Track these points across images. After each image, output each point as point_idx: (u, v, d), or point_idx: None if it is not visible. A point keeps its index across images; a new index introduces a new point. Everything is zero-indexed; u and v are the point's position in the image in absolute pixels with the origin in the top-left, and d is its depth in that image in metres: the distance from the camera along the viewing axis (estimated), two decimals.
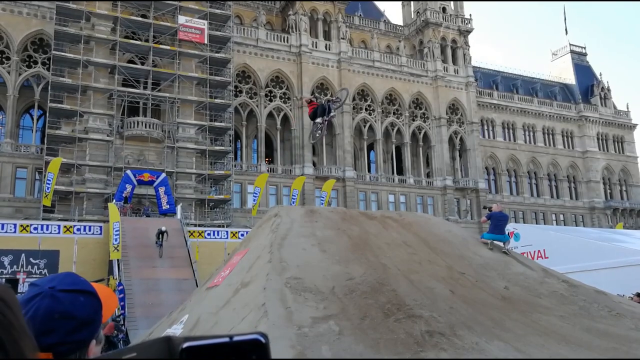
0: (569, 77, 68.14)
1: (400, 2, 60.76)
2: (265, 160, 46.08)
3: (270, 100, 46.84)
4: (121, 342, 17.13)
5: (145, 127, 38.37)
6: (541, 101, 63.06)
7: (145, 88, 38.97)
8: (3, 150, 37.52)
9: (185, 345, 0.71)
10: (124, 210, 32.56)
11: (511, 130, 60.51)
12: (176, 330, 7.97)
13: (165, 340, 0.72)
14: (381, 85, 51.23)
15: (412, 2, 59.00)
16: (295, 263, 7.77)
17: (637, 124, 68.25)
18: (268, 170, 44.07)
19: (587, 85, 67.16)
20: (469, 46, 56.80)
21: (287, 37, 47.98)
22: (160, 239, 25.69)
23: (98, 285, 1.65)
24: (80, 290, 1.33)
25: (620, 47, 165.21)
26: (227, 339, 0.72)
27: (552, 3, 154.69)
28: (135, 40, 39.34)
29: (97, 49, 37.97)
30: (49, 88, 36.58)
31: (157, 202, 33.97)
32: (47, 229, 27.19)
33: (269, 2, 51.40)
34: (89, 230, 27.97)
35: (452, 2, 57.85)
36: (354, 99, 49.92)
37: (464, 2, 58.71)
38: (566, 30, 73.62)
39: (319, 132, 13.50)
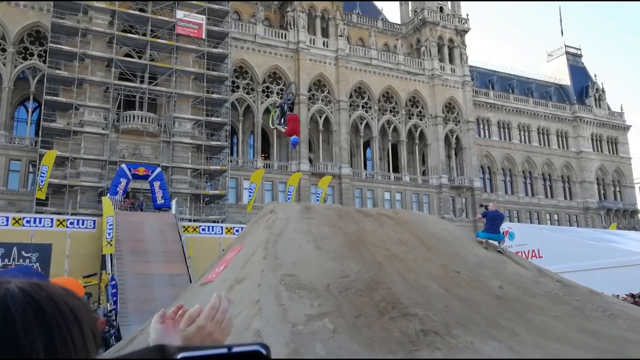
0: (564, 78, 68.33)
1: (398, 1, 60.78)
2: (262, 156, 45.97)
3: (268, 96, 46.74)
4: (113, 337, 17.04)
5: (141, 121, 38.20)
6: (536, 101, 63.23)
7: (142, 82, 38.77)
8: None
9: (180, 355, 0.67)
10: (125, 204, 32.55)
11: (506, 130, 60.66)
12: None
13: (158, 349, 0.69)
14: (378, 83, 51.20)
15: (409, 1, 59.00)
16: (291, 260, 7.74)
17: (631, 125, 68.54)
18: (264, 166, 43.98)
19: (582, 86, 67.40)
20: (466, 46, 56.86)
21: (285, 34, 47.86)
22: None
23: (66, 280, 1.55)
24: None
25: (615, 49, 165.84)
26: (225, 350, 0.68)
27: (549, 5, 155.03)
28: (133, 34, 39.09)
29: (94, 42, 37.72)
30: (45, 80, 36.32)
31: (152, 197, 33.81)
32: (40, 222, 26.98)
33: None
34: (82, 224, 27.77)
35: (449, 2, 57.90)
36: (350, 96, 49.90)
37: (461, 2, 58.78)
38: (562, 31, 74.26)
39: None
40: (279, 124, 13.73)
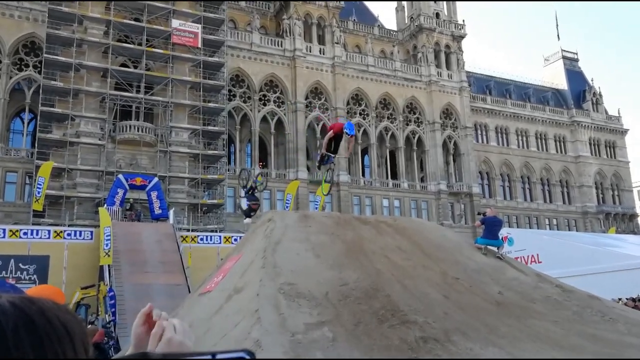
0: (561, 82, 68.63)
1: (394, 8, 61.11)
2: (259, 165, 45.96)
3: (264, 104, 46.79)
4: (112, 349, 16.93)
5: (138, 131, 38.16)
6: (534, 106, 63.44)
7: (138, 92, 38.78)
8: None
9: None
10: (131, 216, 32.54)
11: (504, 135, 60.81)
12: None
13: (140, 356, 0.69)
14: (375, 89, 51.32)
15: (405, 8, 59.33)
16: (289, 268, 7.69)
17: (628, 129, 68.80)
18: (262, 175, 43.91)
19: (579, 91, 67.68)
20: (462, 51, 57.11)
21: (281, 42, 48.00)
22: None
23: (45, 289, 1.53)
24: None
25: (612, 53, 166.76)
26: (209, 357, 0.66)
27: (544, 9, 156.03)
28: (128, 43, 39.16)
29: (89, 52, 37.76)
30: (41, 91, 36.28)
31: (150, 207, 33.74)
32: (37, 234, 26.88)
33: (264, 5, 51.47)
34: (80, 235, 27.67)
35: (445, 8, 58.21)
36: (348, 104, 49.98)
37: (457, 8, 59.11)
38: (558, 36, 74.47)
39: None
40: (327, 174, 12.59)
